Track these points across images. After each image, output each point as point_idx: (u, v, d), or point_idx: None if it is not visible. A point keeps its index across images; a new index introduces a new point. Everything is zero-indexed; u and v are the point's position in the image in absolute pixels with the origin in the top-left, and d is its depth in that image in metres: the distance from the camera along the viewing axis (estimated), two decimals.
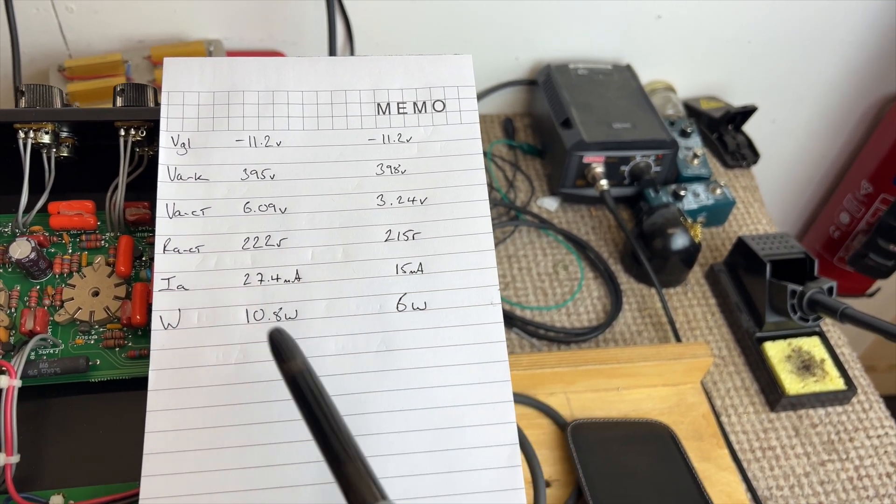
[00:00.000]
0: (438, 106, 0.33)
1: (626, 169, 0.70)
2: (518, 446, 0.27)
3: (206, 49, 0.68)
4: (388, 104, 0.33)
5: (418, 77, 0.33)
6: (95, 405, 0.31)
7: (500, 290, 0.30)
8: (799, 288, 0.60)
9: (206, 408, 0.27)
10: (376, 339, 0.29)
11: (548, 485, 0.53)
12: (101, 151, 0.35)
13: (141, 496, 0.26)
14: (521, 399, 0.56)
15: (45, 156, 0.33)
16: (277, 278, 0.30)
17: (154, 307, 0.29)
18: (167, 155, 0.31)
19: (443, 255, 0.30)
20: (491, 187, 0.73)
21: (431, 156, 0.32)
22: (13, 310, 0.31)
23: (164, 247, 0.30)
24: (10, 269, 0.32)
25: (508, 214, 0.72)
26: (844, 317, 0.55)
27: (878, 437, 0.60)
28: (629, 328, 0.65)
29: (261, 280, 0.30)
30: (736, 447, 0.57)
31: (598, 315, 0.65)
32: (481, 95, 0.80)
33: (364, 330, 0.29)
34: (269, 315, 0.29)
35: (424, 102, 0.33)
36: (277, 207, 0.31)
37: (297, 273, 0.30)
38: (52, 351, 0.31)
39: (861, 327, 0.54)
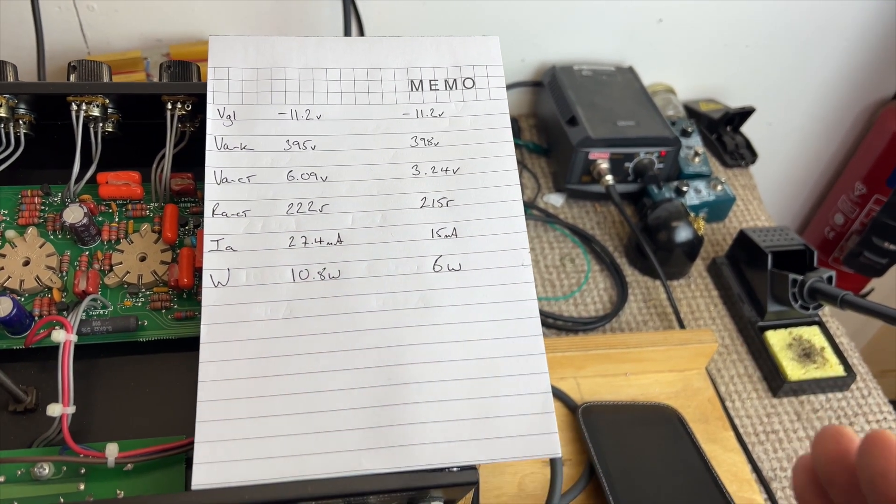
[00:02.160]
0: (468, 83, 0.35)
1: (630, 165, 0.72)
2: (551, 395, 0.29)
3: None
4: (421, 81, 0.35)
5: (448, 56, 0.35)
6: (143, 364, 0.33)
7: None
8: (800, 277, 0.62)
9: (255, 359, 0.29)
10: (415, 297, 0.31)
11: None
12: (142, 129, 0.36)
13: (196, 439, 0.28)
14: None
15: (92, 130, 0.35)
16: (320, 241, 0.31)
17: (205, 266, 0.30)
18: (214, 126, 0.33)
19: (475, 220, 0.32)
20: None
21: (462, 129, 0.34)
22: (64, 273, 0.33)
23: (213, 211, 0.31)
24: (60, 236, 0.34)
25: None
26: (844, 303, 0.57)
27: (878, 421, 0.61)
28: (634, 318, 0.67)
29: (305, 242, 0.31)
30: (740, 430, 0.59)
31: (605, 305, 0.67)
32: None
33: (403, 288, 0.31)
34: (314, 274, 0.31)
35: (455, 80, 0.35)
36: (319, 176, 0.33)
37: (338, 236, 0.32)
38: (102, 312, 0.33)
39: (861, 312, 0.56)
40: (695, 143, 0.77)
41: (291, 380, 0.29)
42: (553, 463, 0.46)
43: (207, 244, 0.31)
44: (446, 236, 0.32)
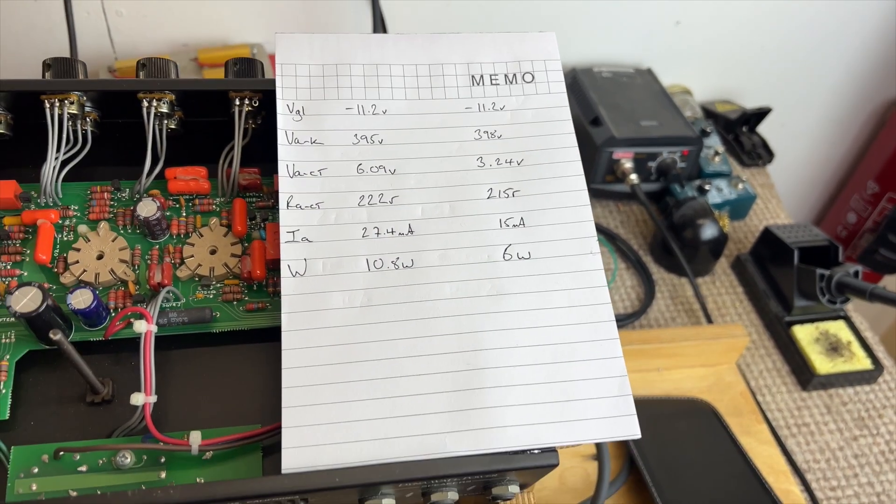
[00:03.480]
0: (528, 78, 0.36)
1: (653, 165, 0.73)
2: (627, 378, 0.30)
3: (250, 52, 0.70)
4: (482, 76, 0.36)
5: (506, 52, 0.36)
6: (216, 355, 0.33)
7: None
8: (827, 272, 0.63)
9: (336, 346, 0.30)
10: (487, 285, 0.31)
11: (595, 458, 0.55)
12: (204, 126, 0.37)
13: (283, 424, 0.28)
14: None
15: (159, 127, 0.35)
16: (392, 231, 0.32)
17: (283, 257, 0.31)
18: (284, 121, 0.33)
19: (542, 210, 0.33)
20: None
21: (524, 122, 0.35)
22: (136, 267, 0.34)
23: (288, 203, 0.32)
24: (130, 230, 0.34)
25: None
26: (874, 296, 0.58)
27: None
28: (663, 315, 0.67)
29: (377, 233, 0.32)
30: (774, 426, 0.60)
31: (633, 303, 0.68)
32: None
33: (475, 276, 0.31)
34: (388, 264, 0.31)
35: (515, 74, 0.36)
36: (388, 169, 0.33)
37: (409, 227, 0.32)
38: (175, 304, 0.33)
39: (891, 304, 0.57)
40: (714, 142, 0.78)
41: (372, 365, 0.29)
42: (600, 452, 0.46)
43: (284, 235, 0.31)
44: (514, 226, 0.33)
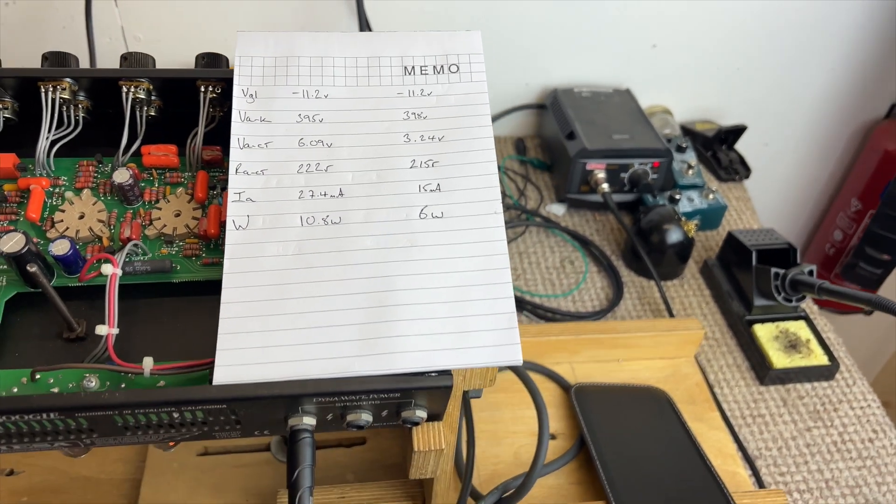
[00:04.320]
0: (454, 69, 0.41)
1: (625, 176, 0.78)
2: (515, 315, 0.34)
3: None
4: (413, 67, 0.41)
5: (437, 47, 0.42)
6: (175, 303, 0.39)
7: (512, 279, 0.36)
8: (781, 271, 0.66)
9: (268, 286, 0.35)
10: (403, 238, 0.36)
11: (553, 437, 0.59)
12: (178, 115, 0.43)
13: (217, 347, 0.33)
14: (529, 366, 0.62)
15: (138, 112, 0.41)
16: (325, 194, 0.37)
17: (228, 213, 0.36)
18: (239, 102, 0.39)
19: (456, 177, 0.38)
20: (503, 195, 0.81)
21: (447, 105, 0.40)
22: (112, 226, 0.39)
23: (237, 169, 0.37)
24: (110, 197, 0.40)
25: (519, 217, 0.79)
26: (822, 290, 0.61)
27: (861, 408, 0.65)
28: (629, 314, 0.71)
29: (312, 195, 0.37)
30: (728, 414, 0.63)
31: (602, 303, 0.72)
32: (495, 118, 0.89)
33: (394, 231, 0.36)
34: (319, 220, 0.37)
35: (442, 66, 0.41)
36: (325, 143, 0.39)
37: (340, 190, 0.37)
38: (143, 258, 0.39)
39: (836, 298, 0.60)
40: (689, 157, 0.83)
41: (298, 302, 0.34)
42: (541, 434, 0.50)
43: (231, 196, 0.37)
44: (431, 191, 0.38)
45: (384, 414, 0.35)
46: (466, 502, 0.49)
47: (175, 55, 0.79)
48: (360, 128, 0.39)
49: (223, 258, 0.38)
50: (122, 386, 0.35)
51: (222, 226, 0.39)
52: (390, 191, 0.38)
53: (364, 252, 0.36)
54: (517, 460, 0.57)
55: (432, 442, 0.37)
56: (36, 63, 0.41)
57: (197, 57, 0.42)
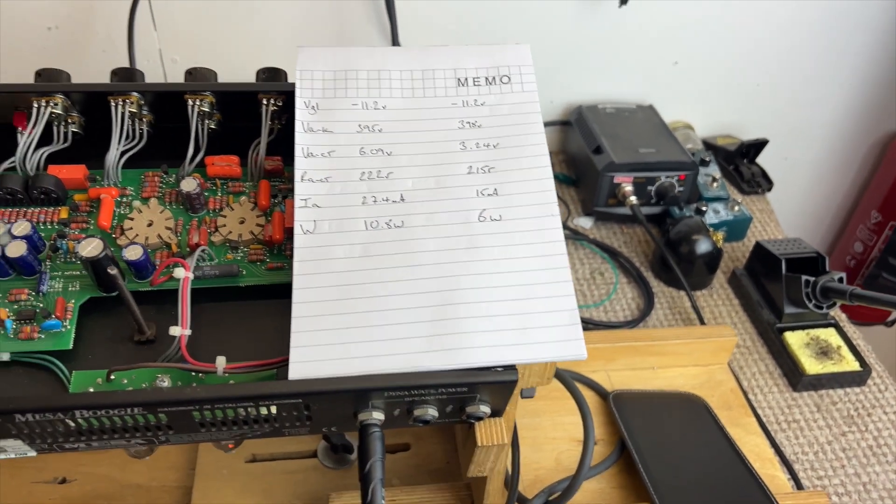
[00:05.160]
0: (505, 80, 0.43)
1: (652, 189, 0.79)
2: (577, 311, 0.35)
3: None
4: (466, 78, 0.43)
5: (488, 59, 0.43)
6: (242, 307, 0.40)
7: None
8: (812, 278, 0.67)
9: (337, 286, 0.36)
10: (464, 240, 0.38)
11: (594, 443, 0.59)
12: (236, 129, 0.45)
13: (291, 344, 0.34)
14: (566, 374, 0.63)
15: (201, 124, 0.43)
16: (387, 199, 0.39)
17: (296, 218, 0.38)
18: (301, 114, 0.41)
19: (512, 182, 0.39)
20: None
21: (500, 114, 0.42)
22: (178, 234, 0.41)
23: (302, 177, 0.39)
24: (175, 206, 0.42)
25: None
26: (854, 296, 0.62)
27: (895, 412, 0.65)
28: (661, 323, 0.72)
29: (374, 201, 0.39)
30: (763, 420, 0.63)
31: (633, 313, 0.73)
32: None
33: (455, 234, 0.38)
34: (382, 224, 0.38)
35: (494, 77, 0.43)
36: (384, 151, 0.40)
37: (401, 196, 0.39)
38: (209, 262, 0.40)
39: (869, 303, 0.61)
40: (713, 170, 0.84)
41: (366, 301, 0.36)
42: (586, 438, 0.51)
43: (297, 202, 0.38)
44: (488, 195, 0.39)
45: (448, 409, 0.37)
46: None
47: None
48: (418, 136, 0.41)
49: (287, 263, 0.40)
50: (194, 385, 0.37)
51: (286, 232, 0.41)
52: (449, 196, 0.39)
53: (427, 254, 0.37)
54: (558, 466, 0.58)
55: (495, 437, 0.38)
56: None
57: (258, 72, 0.44)
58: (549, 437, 0.59)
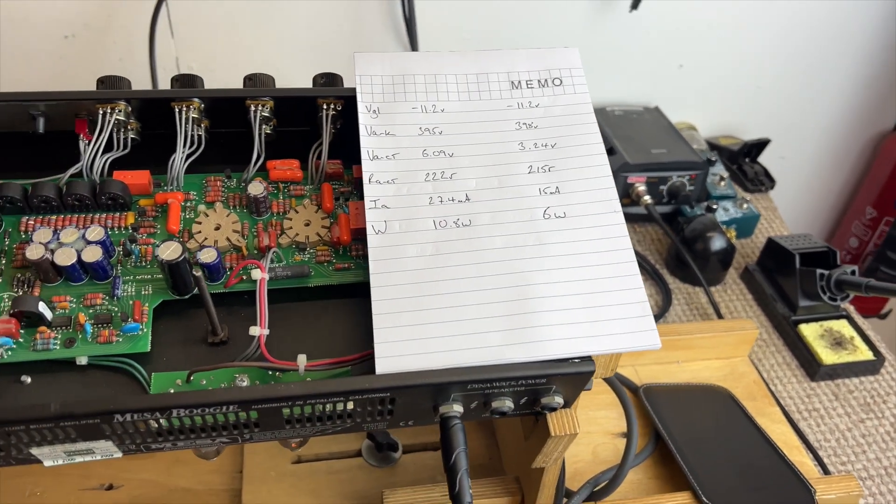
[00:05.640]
0: (557, 82, 0.44)
1: (664, 188, 0.81)
2: (648, 303, 0.37)
3: None
4: (520, 81, 0.44)
5: (539, 62, 0.45)
6: (311, 306, 0.41)
7: None
8: (826, 272, 0.70)
9: (412, 283, 0.37)
10: (532, 237, 0.39)
11: (626, 435, 0.61)
12: (290, 134, 0.46)
13: (375, 341, 0.35)
14: None
15: (261, 128, 0.44)
16: (453, 199, 0.40)
17: (367, 219, 0.39)
18: (364, 118, 0.42)
19: (573, 180, 0.41)
20: None
21: (555, 115, 0.43)
22: (245, 237, 0.42)
23: (370, 179, 0.40)
24: (239, 210, 0.43)
25: None
26: (869, 288, 0.65)
27: None
28: (680, 319, 0.74)
29: (441, 201, 0.40)
30: (786, 410, 0.66)
31: (652, 309, 0.75)
32: None
33: (521, 231, 0.39)
34: (450, 223, 0.39)
35: (546, 79, 0.44)
36: (446, 153, 0.42)
37: (466, 195, 0.40)
38: (278, 264, 0.41)
39: (885, 294, 0.64)
40: (719, 170, 0.87)
41: (442, 297, 0.37)
42: (628, 418, 0.53)
43: (367, 203, 0.39)
44: (551, 193, 0.40)
45: (522, 401, 0.38)
46: (562, 498, 0.51)
47: (228, 84, 0.81)
48: (477, 138, 0.42)
49: (353, 263, 0.41)
50: (290, 383, 0.37)
51: (352, 233, 0.41)
52: (512, 194, 0.40)
53: (496, 251, 0.38)
54: (596, 458, 0.59)
55: (567, 427, 0.39)
56: None
57: (315, 77, 0.45)
58: (584, 432, 0.61)
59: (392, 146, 0.42)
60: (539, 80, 0.44)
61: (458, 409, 0.37)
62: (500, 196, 0.40)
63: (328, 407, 0.35)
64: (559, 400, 0.38)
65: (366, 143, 0.41)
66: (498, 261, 0.38)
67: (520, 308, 0.37)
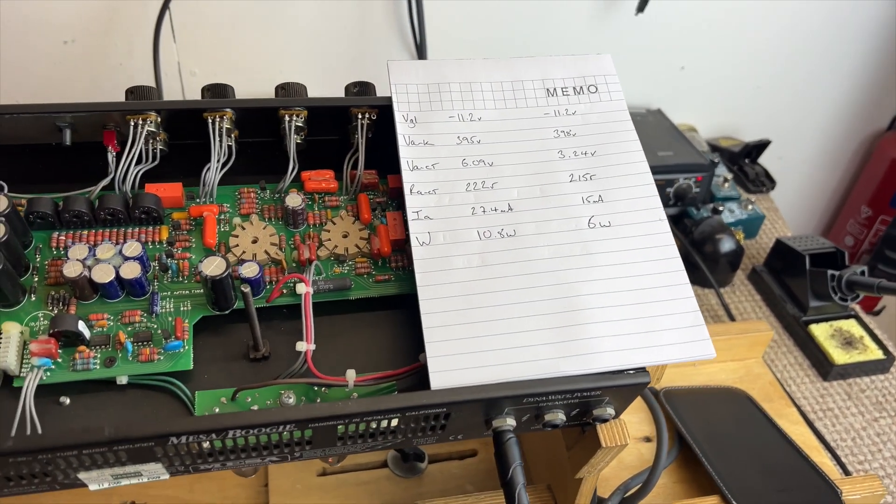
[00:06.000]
0: (592, 89, 0.44)
1: (671, 190, 0.82)
2: (699, 313, 0.37)
3: None
4: (555, 89, 0.44)
5: (573, 69, 0.45)
6: (352, 319, 0.40)
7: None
8: (837, 272, 0.70)
9: (461, 296, 0.37)
10: (578, 247, 0.39)
11: (648, 440, 0.61)
12: (318, 143, 0.45)
13: (428, 355, 0.35)
14: None
15: (294, 138, 0.43)
16: (496, 209, 0.40)
17: (411, 231, 0.38)
18: (402, 128, 0.41)
19: (615, 189, 0.41)
20: None
21: (593, 123, 0.43)
22: (282, 249, 0.41)
23: (411, 190, 0.40)
24: (274, 222, 0.42)
25: None
26: (881, 289, 0.66)
27: None
28: None
29: (483, 211, 0.40)
30: (802, 410, 0.66)
31: None
32: None
33: (567, 241, 0.39)
34: (495, 234, 0.39)
35: (581, 87, 0.44)
36: (486, 162, 0.41)
37: (509, 205, 0.40)
38: (319, 277, 0.40)
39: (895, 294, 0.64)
40: (722, 171, 0.87)
41: (491, 309, 0.36)
42: (658, 425, 0.53)
43: (410, 215, 0.39)
44: (594, 202, 0.40)
45: (573, 413, 0.38)
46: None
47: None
48: (516, 146, 0.42)
49: (393, 274, 0.40)
50: (318, 401, 0.37)
51: (392, 244, 0.41)
52: (555, 203, 0.40)
53: (543, 261, 0.38)
54: (621, 464, 0.59)
55: (618, 438, 0.39)
56: (95, 97, 0.41)
57: (347, 86, 0.44)
58: None
59: (431, 156, 0.41)
60: (574, 88, 0.44)
61: (511, 422, 0.36)
62: (543, 206, 0.40)
63: (382, 423, 0.34)
64: (611, 411, 0.37)
65: (405, 153, 0.41)
66: (545, 271, 0.38)
67: (570, 319, 0.36)
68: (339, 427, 0.34)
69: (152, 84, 0.72)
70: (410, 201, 0.39)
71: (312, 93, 0.44)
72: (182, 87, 0.80)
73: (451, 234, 0.39)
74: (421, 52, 0.78)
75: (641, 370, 0.36)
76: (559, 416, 0.37)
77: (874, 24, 0.92)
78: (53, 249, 0.39)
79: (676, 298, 0.37)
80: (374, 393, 0.37)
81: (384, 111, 0.43)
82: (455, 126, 0.42)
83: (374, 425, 0.34)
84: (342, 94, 0.45)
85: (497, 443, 0.36)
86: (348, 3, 0.77)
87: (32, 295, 0.37)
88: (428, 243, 0.38)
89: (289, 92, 0.43)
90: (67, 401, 0.36)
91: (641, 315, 0.37)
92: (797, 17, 0.90)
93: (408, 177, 0.40)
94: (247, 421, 0.32)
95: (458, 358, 0.35)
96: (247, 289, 0.35)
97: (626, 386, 0.36)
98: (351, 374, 0.36)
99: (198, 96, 0.80)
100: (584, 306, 0.37)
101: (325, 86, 0.82)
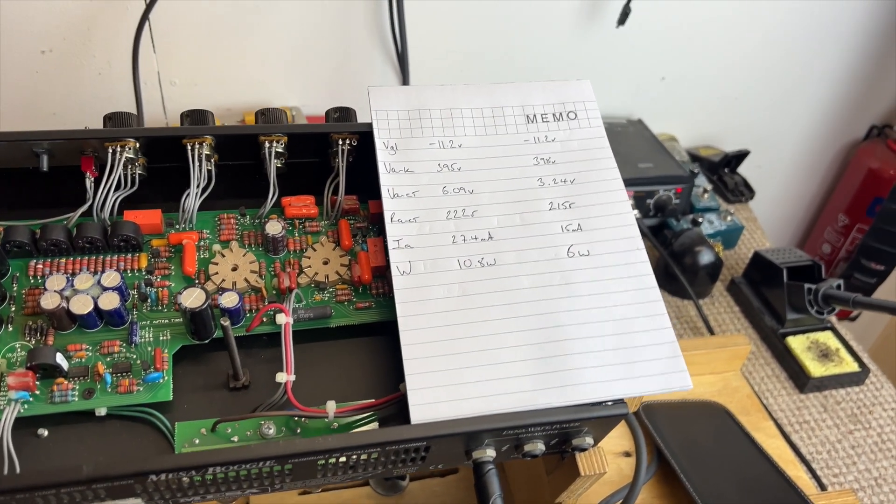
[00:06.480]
0: (571, 115, 0.45)
1: (651, 202, 0.82)
2: (677, 344, 0.37)
3: (290, 114, 0.79)
4: (535, 115, 0.44)
5: (553, 96, 0.45)
6: (332, 347, 0.40)
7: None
8: (814, 286, 0.71)
9: (442, 326, 0.37)
10: (557, 277, 0.39)
11: (628, 454, 0.62)
12: (299, 167, 0.45)
13: (408, 388, 0.35)
14: None
15: (274, 163, 0.43)
16: (476, 238, 0.40)
17: (391, 260, 0.38)
18: (382, 154, 0.41)
19: (595, 217, 0.41)
20: None
21: (572, 150, 0.43)
22: (263, 277, 0.41)
23: (391, 218, 0.40)
24: (254, 248, 0.42)
25: None
26: (856, 303, 0.67)
27: (893, 409, 0.70)
28: None
29: (464, 239, 0.40)
30: (779, 424, 0.67)
31: None
32: None
33: (546, 270, 0.39)
34: (475, 263, 0.39)
35: (561, 113, 0.44)
36: (467, 189, 0.41)
37: (489, 234, 0.40)
38: (298, 305, 0.40)
39: (871, 310, 0.65)
40: (702, 182, 0.88)
41: (472, 341, 0.37)
42: (637, 442, 0.53)
43: (391, 243, 0.39)
44: (573, 230, 0.41)
45: (553, 443, 0.38)
46: None
47: (211, 99, 0.80)
48: (496, 174, 0.42)
49: (374, 301, 0.41)
50: (298, 431, 0.37)
51: (374, 271, 0.41)
52: (535, 232, 0.40)
53: (523, 291, 0.38)
54: (600, 479, 0.59)
55: (596, 466, 0.40)
56: (75, 112, 0.40)
57: (328, 111, 0.44)
58: None
59: (412, 183, 0.41)
60: (554, 114, 0.44)
61: (490, 453, 0.36)
62: (523, 234, 0.40)
63: (363, 456, 0.35)
64: (589, 440, 0.38)
65: (385, 180, 0.41)
66: (525, 301, 0.38)
67: (551, 351, 0.37)
68: (320, 461, 0.34)
69: (131, 95, 0.72)
70: (391, 230, 0.39)
71: (293, 101, 0.44)
72: (162, 96, 0.79)
73: (431, 262, 0.39)
74: (402, 60, 0.78)
75: (620, 401, 0.36)
76: (538, 447, 0.37)
77: (851, 36, 0.94)
78: (31, 278, 0.39)
79: (654, 329, 0.38)
80: (354, 424, 0.37)
81: (365, 137, 0.43)
82: (435, 153, 0.42)
83: (353, 458, 0.34)
84: (323, 104, 0.45)
85: (477, 474, 0.36)
86: (329, 10, 0.77)
87: (9, 325, 0.37)
88: (409, 272, 0.38)
89: (269, 118, 0.43)
90: (45, 433, 0.35)
91: (620, 346, 0.37)
92: (776, 29, 0.91)
93: (388, 205, 0.40)
94: (226, 457, 0.32)
95: (438, 391, 0.35)
96: (227, 322, 0.35)
97: (605, 417, 0.36)
98: (331, 406, 0.36)
99: (178, 106, 0.80)
100: (564, 337, 0.37)
101: (306, 92, 0.82)
